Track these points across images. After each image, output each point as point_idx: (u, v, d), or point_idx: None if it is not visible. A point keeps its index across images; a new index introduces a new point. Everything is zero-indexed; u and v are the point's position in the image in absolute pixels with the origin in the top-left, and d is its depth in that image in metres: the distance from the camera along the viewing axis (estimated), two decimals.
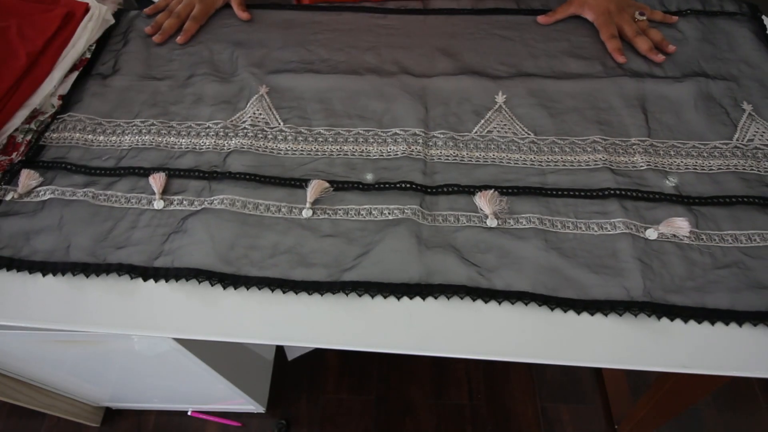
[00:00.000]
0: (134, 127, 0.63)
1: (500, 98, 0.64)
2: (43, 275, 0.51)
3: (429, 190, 0.55)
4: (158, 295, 0.50)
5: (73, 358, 0.81)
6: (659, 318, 0.47)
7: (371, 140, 0.60)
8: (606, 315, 0.47)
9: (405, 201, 0.54)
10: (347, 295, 0.49)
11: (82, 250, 0.52)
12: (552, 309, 0.47)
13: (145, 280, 0.51)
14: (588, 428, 1.13)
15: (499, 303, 0.48)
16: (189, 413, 1.15)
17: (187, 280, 0.50)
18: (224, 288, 0.50)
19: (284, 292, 0.49)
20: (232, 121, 0.63)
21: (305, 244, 0.52)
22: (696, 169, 0.56)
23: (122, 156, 0.60)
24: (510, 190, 0.55)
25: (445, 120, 0.62)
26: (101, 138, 0.62)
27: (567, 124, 0.61)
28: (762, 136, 0.59)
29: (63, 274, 0.51)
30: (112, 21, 0.75)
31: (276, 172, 0.57)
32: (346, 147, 0.60)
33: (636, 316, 0.47)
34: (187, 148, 0.60)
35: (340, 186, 0.56)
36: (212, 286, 0.50)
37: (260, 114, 0.63)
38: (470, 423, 1.14)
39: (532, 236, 0.51)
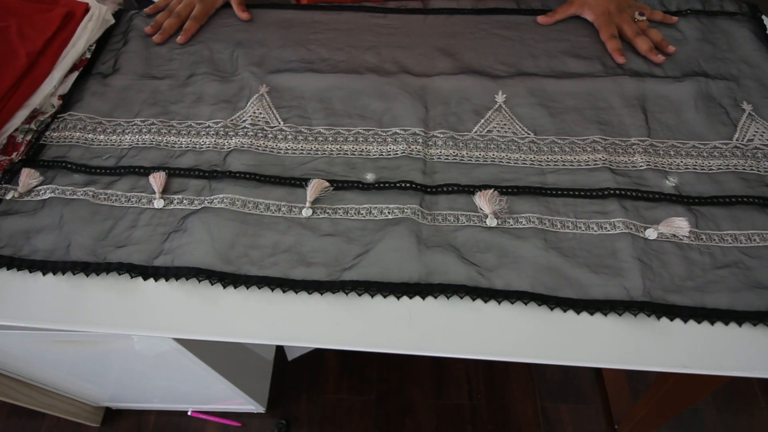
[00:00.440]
0: (134, 127, 0.63)
1: (500, 98, 0.64)
2: (44, 274, 0.51)
3: (429, 190, 0.55)
4: (158, 295, 0.50)
5: (73, 358, 0.81)
6: (659, 318, 0.47)
7: (371, 140, 0.60)
8: (606, 315, 0.47)
9: (405, 200, 0.54)
10: (347, 294, 0.49)
11: (82, 249, 0.52)
12: (551, 309, 0.47)
13: (145, 279, 0.51)
14: (588, 428, 1.13)
15: (499, 302, 0.48)
16: (189, 413, 1.15)
17: (187, 279, 0.50)
18: (224, 287, 0.50)
19: (284, 292, 0.49)
20: (232, 120, 0.63)
21: (305, 244, 0.52)
22: (696, 169, 0.57)
23: (122, 155, 0.60)
24: (510, 190, 0.55)
25: (444, 119, 0.62)
26: (101, 137, 0.62)
27: (567, 124, 0.61)
28: (762, 135, 0.59)
29: (63, 273, 0.51)
30: (112, 21, 0.75)
31: (276, 172, 0.57)
32: (346, 146, 0.60)
33: (636, 315, 0.47)
34: (187, 147, 0.61)
35: (339, 185, 0.56)
36: (212, 285, 0.50)
37: (260, 113, 0.63)
38: (470, 423, 1.14)
39: (531, 236, 0.51)
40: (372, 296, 0.49)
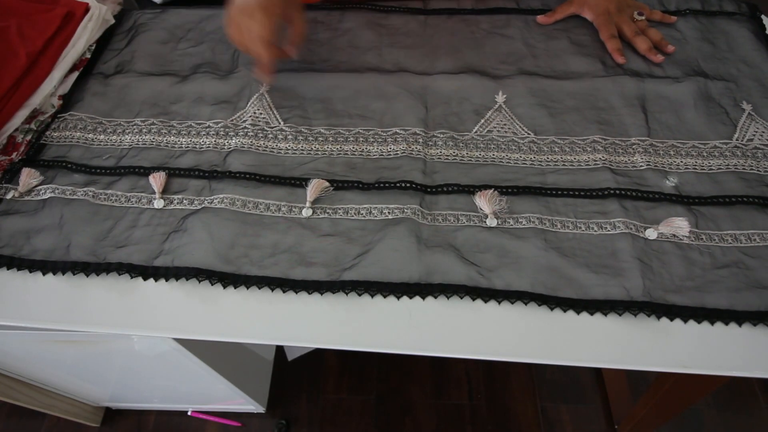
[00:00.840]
0: (135, 126, 0.63)
1: (500, 98, 0.64)
2: (44, 274, 0.51)
3: (429, 190, 0.55)
4: (158, 295, 0.50)
5: (73, 358, 0.81)
6: (659, 318, 0.47)
7: (371, 140, 0.60)
8: (605, 315, 0.47)
9: (405, 200, 0.54)
10: (347, 294, 0.49)
11: (82, 249, 0.52)
12: (552, 309, 0.47)
13: (145, 279, 0.51)
14: (588, 428, 1.13)
15: (499, 302, 0.48)
16: (189, 413, 1.15)
17: (187, 280, 0.50)
18: (224, 287, 0.50)
19: (284, 292, 0.49)
20: (232, 120, 0.63)
21: (305, 244, 0.52)
22: (696, 168, 0.57)
23: (122, 155, 0.60)
24: (510, 190, 0.55)
25: (445, 119, 0.62)
26: (102, 137, 0.62)
27: (567, 124, 0.61)
28: (761, 135, 0.59)
29: (63, 273, 0.51)
30: (112, 21, 0.75)
31: (276, 172, 0.57)
32: (346, 146, 0.60)
33: (636, 315, 0.47)
34: (188, 147, 0.61)
35: (340, 185, 0.56)
36: (212, 285, 0.50)
37: (260, 113, 0.63)
38: (470, 423, 1.14)
39: (531, 236, 0.51)
40: (372, 296, 0.49)
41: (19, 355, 0.80)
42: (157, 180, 0.56)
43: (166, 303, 0.50)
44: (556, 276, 0.49)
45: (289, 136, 0.61)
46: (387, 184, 0.56)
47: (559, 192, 0.55)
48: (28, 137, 0.62)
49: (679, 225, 0.50)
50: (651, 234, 0.51)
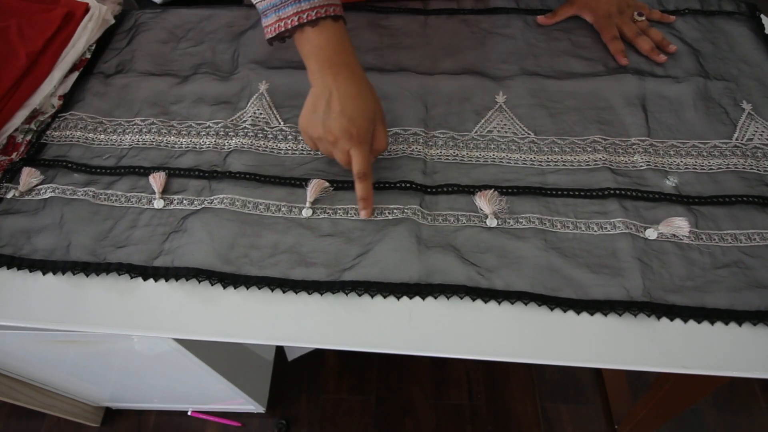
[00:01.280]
0: (135, 126, 0.63)
1: (501, 98, 0.64)
2: (44, 274, 0.51)
3: (429, 190, 0.55)
4: (158, 295, 0.50)
5: (73, 358, 0.81)
6: (659, 318, 0.47)
7: None
8: (606, 315, 0.47)
9: (405, 201, 0.54)
10: (347, 294, 0.49)
11: (82, 249, 0.52)
12: (552, 309, 0.47)
13: (144, 279, 0.51)
14: (588, 428, 1.13)
15: (499, 303, 0.48)
16: (189, 413, 1.15)
17: (187, 280, 0.50)
18: (224, 287, 0.50)
19: (284, 292, 0.49)
20: (232, 120, 0.63)
21: (305, 244, 0.52)
22: (696, 168, 0.57)
23: (123, 155, 0.60)
24: (510, 190, 0.55)
25: (445, 119, 0.62)
26: (102, 137, 0.62)
27: (567, 124, 0.61)
28: (761, 135, 0.59)
29: (63, 273, 0.51)
30: (112, 21, 0.75)
31: (276, 172, 0.57)
32: None
33: (636, 316, 0.47)
34: (188, 147, 0.61)
35: (339, 185, 0.56)
36: (212, 285, 0.50)
37: (260, 113, 0.63)
38: (470, 423, 1.14)
39: (531, 236, 0.51)
40: (372, 296, 0.49)
41: (19, 355, 0.80)
42: (157, 180, 0.56)
43: (166, 303, 0.50)
44: (556, 276, 0.49)
45: (289, 136, 0.61)
46: (387, 185, 0.56)
47: (559, 192, 0.55)
48: (28, 137, 0.62)
49: (679, 225, 0.50)
50: (651, 234, 0.51)
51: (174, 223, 0.54)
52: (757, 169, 0.56)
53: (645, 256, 0.50)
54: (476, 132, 0.61)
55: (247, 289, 0.50)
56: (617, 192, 0.54)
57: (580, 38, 0.71)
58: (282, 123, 0.62)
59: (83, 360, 0.82)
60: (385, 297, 0.49)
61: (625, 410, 1.11)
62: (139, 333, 0.49)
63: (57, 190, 0.56)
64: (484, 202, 0.53)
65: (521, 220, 0.52)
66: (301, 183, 0.56)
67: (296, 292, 0.49)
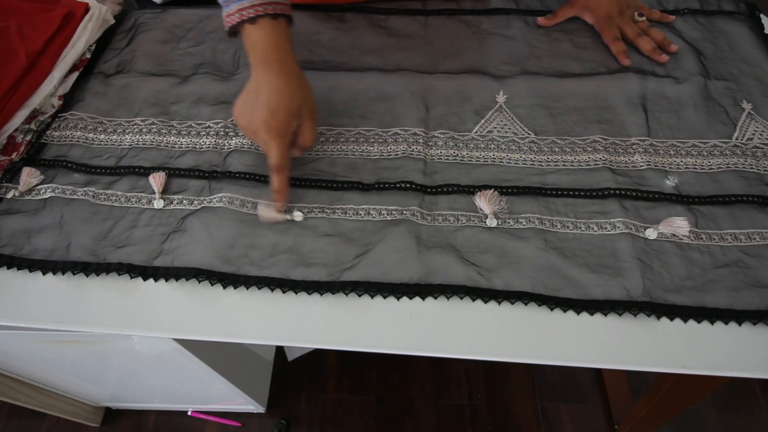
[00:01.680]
0: (135, 126, 0.63)
1: (501, 98, 0.64)
2: (43, 274, 0.51)
3: (429, 190, 0.55)
4: (158, 295, 0.50)
5: (73, 358, 0.81)
6: (659, 318, 0.47)
7: (372, 140, 0.60)
8: (606, 315, 0.47)
9: (405, 201, 0.54)
10: (347, 294, 0.49)
11: (82, 249, 0.52)
12: (552, 309, 0.47)
13: (144, 279, 0.51)
14: (588, 428, 1.13)
15: (499, 303, 0.48)
16: (189, 413, 1.15)
17: (186, 280, 0.50)
18: (224, 287, 0.50)
19: (284, 292, 0.49)
20: (232, 120, 0.63)
21: (305, 244, 0.52)
22: (696, 168, 0.57)
23: (123, 155, 0.60)
24: (510, 190, 0.55)
25: (445, 120, 0.62)
26: (102, 137, 0.62)
27: (567, 124, 0.61)
28: (761, 134, 0.59)
29: (63, 273, 0.51)
30: (112, 21, 0.75)
31: None
32: (346, 147, 0.60)
33: (636, 316, 0.47)
34: (188, 147, 0.61)
35: (339, 186, 0.56)
36: (212, 285, 0.50)
37: None
38: (470, 423, 1.14)
39: (531, 236, 0.51)
40: (372, 296, 0.49)
41: (19, 355, 0.80)
42: (157, 180, 0.56)
43: (166, 303, 0.50)
44: (556, 276, 0.49)
45: None
46: (387, 185, 0.56)
47: (559, 192, 0.55)
48: (28, 137, 0.62)
49: (679, 225, 0.50)
50: (651, 234, 0.51)
51: (174, 223, 0.54)
52: (757, 169, 0.56)
53: (645, 255, 0.50)
54: (476, 132, 0.61)
55: (247, 289, 0.50)
56: (617, 192, 0.54)
57: (580, 39, 0.71)
58: None
59: (83, 360, 0.82)
60: (385, 297, 0.49)
61: (625, 410, 1.11)
62: (139, 333, 0.49)
63: (57, 190, 0.56)
64: (484, 202, 0.53)
65: (521, 220, 0.52)
66: (301, 183, 0.56)
67: (296, 292, 0.49)
